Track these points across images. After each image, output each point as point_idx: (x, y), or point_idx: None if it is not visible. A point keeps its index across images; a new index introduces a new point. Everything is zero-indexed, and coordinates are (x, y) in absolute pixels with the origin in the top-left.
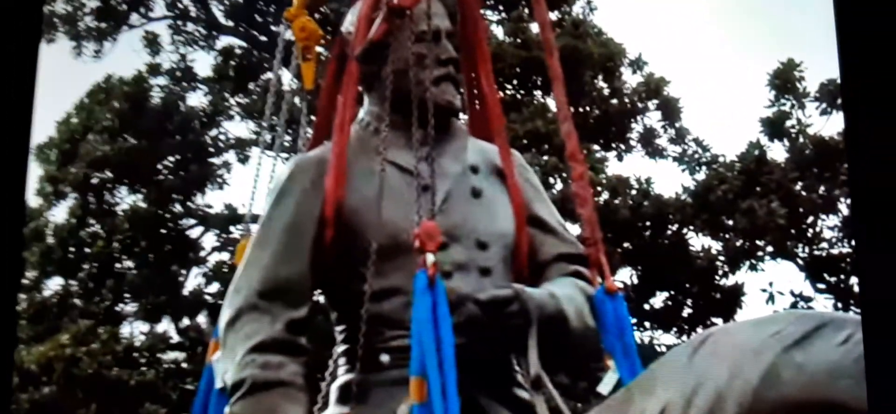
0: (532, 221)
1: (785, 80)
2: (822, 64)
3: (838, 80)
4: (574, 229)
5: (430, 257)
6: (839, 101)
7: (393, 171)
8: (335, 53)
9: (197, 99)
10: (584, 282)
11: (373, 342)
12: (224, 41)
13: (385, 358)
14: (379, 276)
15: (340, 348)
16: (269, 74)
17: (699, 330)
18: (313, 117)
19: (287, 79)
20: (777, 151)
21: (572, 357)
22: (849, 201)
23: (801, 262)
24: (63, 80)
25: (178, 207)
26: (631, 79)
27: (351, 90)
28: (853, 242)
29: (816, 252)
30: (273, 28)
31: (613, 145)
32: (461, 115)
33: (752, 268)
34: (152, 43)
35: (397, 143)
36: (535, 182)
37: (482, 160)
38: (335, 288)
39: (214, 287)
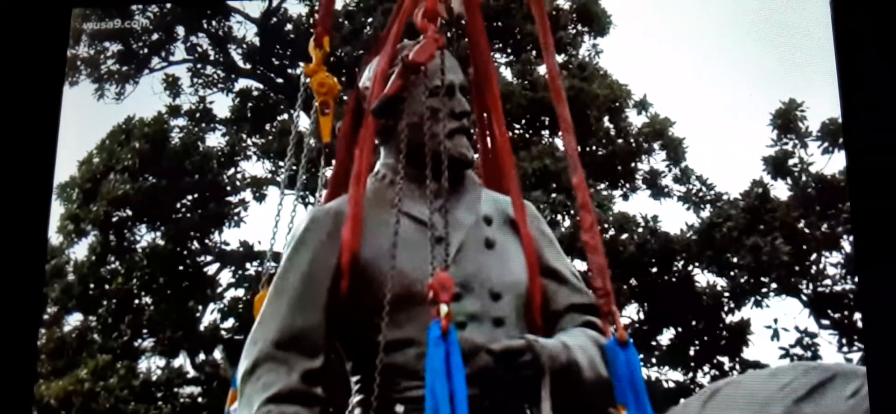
0: (545, 272)
1: (787, 120)
2: (823, 104)
3: (839, 120)
4: (581, 266)
5: (443, 308)
6: (841, 140)
7: (407, 223)
8: (351, 107)
9: (215, 139)
10: (596, 332)
11: (387, 393)
12: (241, 83)
13: (400, 408)
14: (393, 326)
15: (356, 398)
16: (285, 115)
17: (706, 367)
18: (332, 160)
19: (305, 123)
20: (780, 189)
21: (585, 407)
22: (851, 238)
23: (805, 298)
24: (85, 121)
25: (195, 245)
26: (636, 119)
27: (367, 143)
28: (856, 279)
29: (820, 289)
30: (289, 71)
31: (620, 184)
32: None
33: (758, 304)
34: (172, 85)
35: (412, 194)
36: (547, 232)
37: (495, 211)
38: (350, 338)
39: (230, 322)
